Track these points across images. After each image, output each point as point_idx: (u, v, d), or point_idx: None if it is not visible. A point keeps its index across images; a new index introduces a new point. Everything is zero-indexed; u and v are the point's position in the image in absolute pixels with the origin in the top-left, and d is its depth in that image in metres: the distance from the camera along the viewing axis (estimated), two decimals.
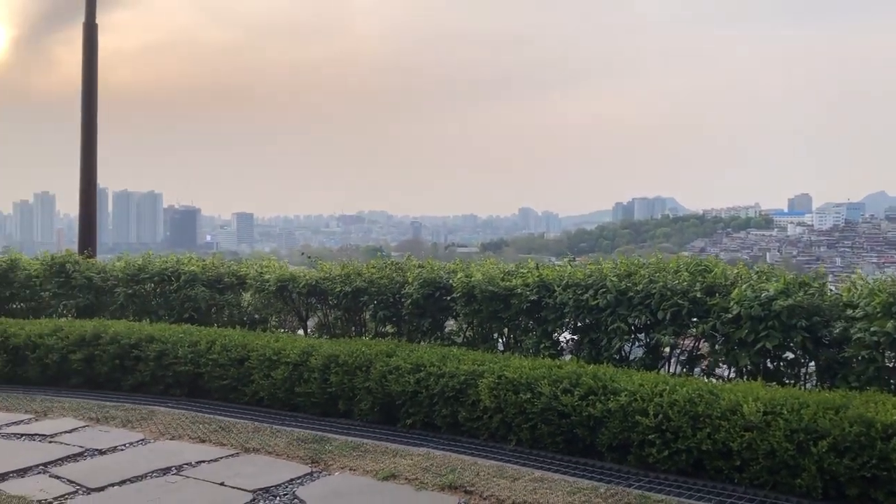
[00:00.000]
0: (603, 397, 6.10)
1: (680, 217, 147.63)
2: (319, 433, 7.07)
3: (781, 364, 6.84)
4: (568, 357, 7.85)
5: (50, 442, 6.92)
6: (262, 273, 10.37)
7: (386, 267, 9.53)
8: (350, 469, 6.05)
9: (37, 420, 7.65)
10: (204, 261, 11.42)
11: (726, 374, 7.19)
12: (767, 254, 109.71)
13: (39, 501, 5.42)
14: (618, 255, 8.96)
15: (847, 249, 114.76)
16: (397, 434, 7.15)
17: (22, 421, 7.61)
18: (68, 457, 6.47)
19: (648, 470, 5.89)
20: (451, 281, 8.64)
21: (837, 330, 6.33)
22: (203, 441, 6.89)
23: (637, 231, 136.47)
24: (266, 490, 5.63)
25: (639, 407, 5.88)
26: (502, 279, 8.26)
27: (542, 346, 7.94)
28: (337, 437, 6.95)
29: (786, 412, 5.36)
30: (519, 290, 8.06)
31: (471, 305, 8.40)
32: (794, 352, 6.73)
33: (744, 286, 6.84)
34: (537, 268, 8.46)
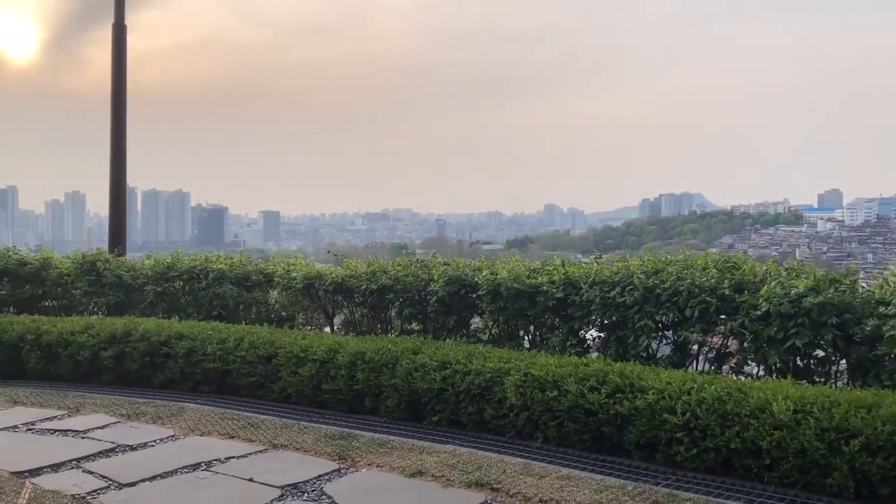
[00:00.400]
0: (630, 395, 6.07)
1: (707, 213, 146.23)
2: (346, 430, 7.11)
3: (812, 362, 6.75)
4: (594, 355, 7.82)
5: (82, 438, 7.03)
6: (289, 271, 10.45)
7: (411, 265, 9.55)
8: (377, 466, 6.08)
9: (69, 416, 7.78)
10: (232, 259, 11.52)
11: (755, 371, 7.11)
12: (797, 250, 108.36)
13: (73, 496, 5.51)
14: (645, 251, 8.92)
15: (879, 245, 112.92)
16: (423, 431, 7.17)
17: (55, 417, 7.75)
18: (100, 452, 6.57)
19: (676, 468, 5.85)
20: (476, 278, 8.63)
21: (869, 327, 6.23)
22: (232, 437, 6.96)
23: (664, 227, 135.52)
24: (294, 486, 5.67)
25: (666, 405, 5.84)
26: (528, 277, 8.23)
27: (568, 343, 7.90)
28: (364, 433, 6.99)
29: (816, 411, 5.29)
30: (545, 288, 8.02)
31: (496, 303, 8.39)
32: (824, 349, 6.63)
33: (773, 283, 6.76)
34: (563, 265, 8.42)
